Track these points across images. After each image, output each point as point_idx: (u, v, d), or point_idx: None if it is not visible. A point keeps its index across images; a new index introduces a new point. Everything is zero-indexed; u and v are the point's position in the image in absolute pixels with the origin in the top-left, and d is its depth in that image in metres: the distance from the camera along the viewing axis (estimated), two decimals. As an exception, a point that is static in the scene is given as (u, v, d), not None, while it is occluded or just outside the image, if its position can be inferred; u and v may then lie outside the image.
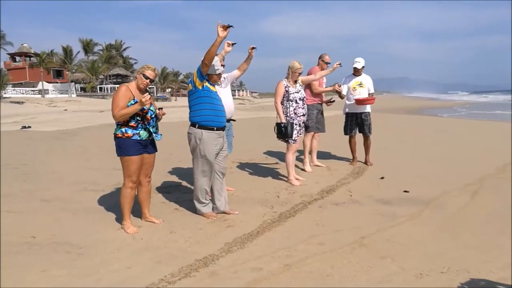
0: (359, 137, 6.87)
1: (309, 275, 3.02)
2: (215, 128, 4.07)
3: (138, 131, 3.76)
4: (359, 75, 6.74)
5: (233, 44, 4.78)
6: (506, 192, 5.22)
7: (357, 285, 2.89)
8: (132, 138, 3.73)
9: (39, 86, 51.02)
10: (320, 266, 3.16)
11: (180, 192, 5.20)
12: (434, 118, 21.29)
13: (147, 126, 3.79)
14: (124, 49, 66.21)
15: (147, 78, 3.72)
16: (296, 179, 5.64)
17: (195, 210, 4.42)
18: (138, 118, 3.72)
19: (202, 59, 3.86)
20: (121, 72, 60.32)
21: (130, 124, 3.73)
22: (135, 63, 68.00)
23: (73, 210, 4.47)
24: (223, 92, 4.60)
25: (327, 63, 6.39)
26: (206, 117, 4.04)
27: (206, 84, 4.05)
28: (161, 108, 3.94)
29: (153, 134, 3.86)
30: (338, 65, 5.85)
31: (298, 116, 5.50)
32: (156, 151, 4.02)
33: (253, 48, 4.84)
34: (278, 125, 5.35)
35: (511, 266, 3.14)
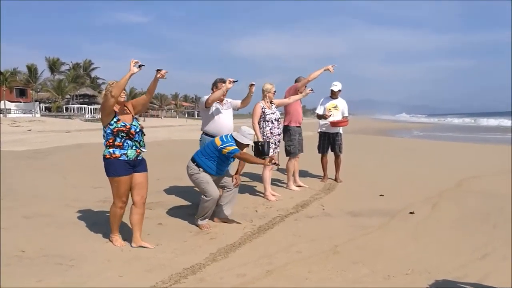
0: (330, 156, 7.30)
1: (289, 279, 3.32)
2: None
3: (125, 151, 3.78)
4: (336, 98, 7.21)
5: (234, 82, 5.09)
6: (462, 203, 5.74)
7: (333, 286, 3.21)
8: (120, 158, 3.76)
9: (1, 105, 49.42)
10: (298, 271, 3.46)
11: (162, 207, 5.38)
12: (398, 139, 22.35)
13: (134, 140, 3.81)
14: (92, 69, 65.42)
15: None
16: (272, 195, 5.96)
17: (178, 225, 4.66)
18: (122, 134, 3.75)
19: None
20: (88, 92, 59.45)
21: (116, 144, 3.76)
22: (103, 83, 67.13)
23: (58, 224, 4.58)
24: (225, 113, 5.23)
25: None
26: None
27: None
28: (160, 69, 3.92)
29: (142, 147, 3.90)
30: (310, 91, 6.30)
31: (274, 136, 5.88)
32: (146, 171, 4.03)
33: (252, 85, 5.35)
34: (256, 144, 5.67)
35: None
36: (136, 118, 3.96)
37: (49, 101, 56.75)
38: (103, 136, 3.83)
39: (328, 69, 6.43)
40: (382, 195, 6.17)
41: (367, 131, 28.78)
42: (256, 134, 5.73)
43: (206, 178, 4.47)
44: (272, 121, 5.87)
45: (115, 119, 3.75)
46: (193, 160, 4.57)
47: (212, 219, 4.73)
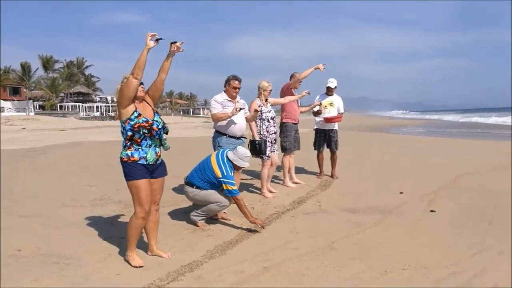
0: (326, 152, 7.32)
1: (287, 276, 3.33)
2: None
3: (145, 154, 3.41)
4: (331, 94, 7.24)
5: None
6: (458, 200, 5.78)
7: (330, 282, 3.22)
8: (139, 162, 3.39)
9: (-5, 104, 49.04)
10: (296, 268, 3.47)
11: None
12: (394, 135, 22.43)
13: (156, 136, 3.44)
14: (86, 67, 65.03)
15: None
16: (270, 191, 5.97)
17: (175, 222, 4.66)
18: (144, 131, 3.35)
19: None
20: (82, 90, 59.13)
21: (134, 139, 3.36)
22: (97, 81, 66.85)
23: (55, 224, 4.56)
24: (238, 113, 5.12)
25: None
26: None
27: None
28: (175, 42, 3.49)
29: (163, 146, 3.55)
30: (306, 93, 6.34)
31: (270, 134, 5.89)
32: (166, 174, 3.73)
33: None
34: (252, 142, 5.67)
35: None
36: (157, 112, 3.57)
37: (43, 99, 56.37)
38: (122, 133, 3.42)
39: (319, 68, 6.44)
40: (402, 193, 6.18)
41: (362, 127, 28.89)
42: (252, 132, 5.72)
43: (211, 191, 4.48)
44: (268, 119, 5.88)
45: (135, 114, 3.33)
46: (190, 184, 4.55)
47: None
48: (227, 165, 4.45)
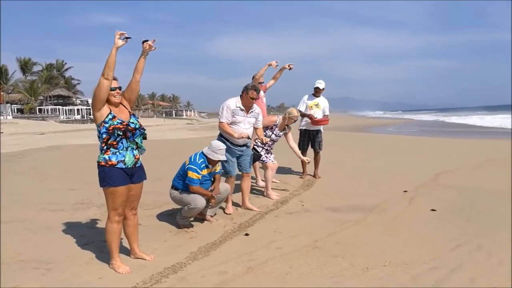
0: (310, 152, 7.39)
1: (270, 275, 3.35)
2: None
3: (123, 158, 3.32)
4: (319, 96, 7.33)
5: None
6: (437, 198, 5.91)
7: (313, 280, 3.26)
8: (117, 166, 3.30)
9: (-29, 108, 47.70)
10: (279, 267, 3.50)
11: (141, 208, 5.27)
12: (376, 135, 22.72)
13: (131, 138, 3.36)
14: (66, 69, 63.87)
15: (113, 89, 3.31)
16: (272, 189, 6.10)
17: (158, 225, 4.65)
18: (119, 133, 3.28)
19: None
20: (62, 93, 57.98)
21: (110, 143, 3.28)
22: (78, 83, 65.71)
23: (35, 229, 4.48)
24: (244, 121, 5.15)
25: (260, 83, 6.63)
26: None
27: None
28: (146, 40, 3.45)
29: (140, 148, 3.47)
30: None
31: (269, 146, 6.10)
32: (145, 178, 3.63)
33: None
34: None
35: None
36: (134, 114, 3.50)
37: (22, 103, 55.09)
38: (98, 137, 3.34)
39: (271, 65, 6.49)
40: (406, 191, 6.28)
41: (346, 128, 29.16)
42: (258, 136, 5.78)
43: (187, 193, 4.48)
44: (273, 141, 6.15)
45: (110, 116, 3.28)
46: (172, 185, 4.62)
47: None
48: (197, 157, 4.48)
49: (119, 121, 3.30)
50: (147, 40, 3.45)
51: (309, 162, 6.05)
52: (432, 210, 5.25)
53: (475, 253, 3.81)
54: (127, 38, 3.25)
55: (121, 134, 3.31)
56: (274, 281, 3.25)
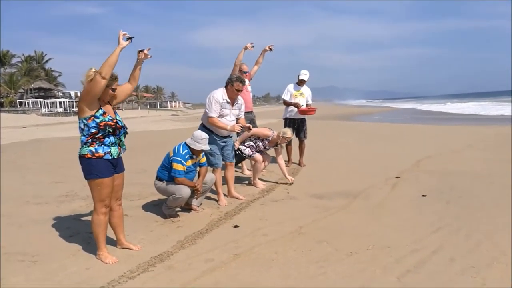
0: (295, 141, 7.45)
1: (256, 261, 3.41)
2: None
3: (109, 150, 3.33)
4: (302, 86, 7.39)
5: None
6: (419, 183, 6.05)
7: (298, 265, 3.32)
8: (104, 157, 3.29)
9: None
10: (265, 253, 3.56)
11: (126, 199, 5.28)
12: (360, 123, 22.97)
13: (119, 135, 3.41)
14: (46, 61, 62.50)
15: (114, 90, 3.37)
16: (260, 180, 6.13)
17: (144, 215, 4.65)
18: (109, 130, 3.30)
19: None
20: (43, 86, 56.79)
21: (97, 137, 3.27)
22: (59, 75, 64.42)
23: (19, 223, 4.44)
24: (229, 113, 5.10)
25: (245, 72, 6.62)
26: None
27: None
28: (143, 50, 3.53)
29: (122, 147, 3.49)
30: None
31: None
32: (124, 169, 3.62)
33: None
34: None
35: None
36: (116, 111, 3.51)
37: (1, 96, 53.84)
38: (81, 130, 3.28)
39: (247, 48, 6.44)
40: (398, 177, 6.37)
41: (330, 116, 29.37)
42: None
43: (170, 184, 4.50)
44: (262, 150, 6.06)
45: (101, 111, 3.26)
46: (156, 177, 4.63)
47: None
48: (181, 149, 4.49)
49: (110, 118, 3.31)
50: (142, 50, 3.50)
51: (292, 183, 6.02)
52: (423, 195, 5.34)
53: (454, 235, 3.93)
54: (130, 38, 3.26)
55: (111, 131, 3.32)
56: (261, 266, 3.30)
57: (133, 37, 3.28)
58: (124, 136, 3.52)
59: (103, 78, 3.12)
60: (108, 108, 3.39)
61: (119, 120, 3.41)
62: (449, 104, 51.77)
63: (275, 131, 6.04)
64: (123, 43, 3.23)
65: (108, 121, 3.28)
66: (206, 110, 5.05)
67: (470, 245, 3.68)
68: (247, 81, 6.54)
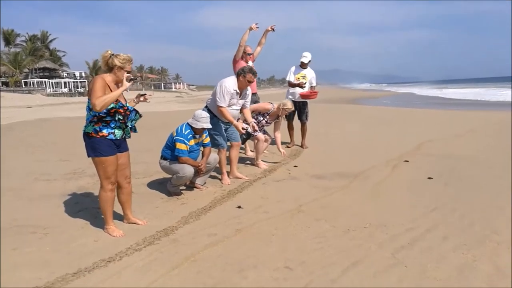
0: (297, 124, 7.56)
1: (257, 236, 3.56)
2: None
3: (113, 130, 3.44)
4: (306, 68, 7.44)
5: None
6: (419, 165, 6.15)
7: (297, 240, 3.47)
8: (107, 137, 3.41)
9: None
10: (266, 229, 3.71)
11: (133, 177, 5.43)
12: (362, 106, 22.93)
13: (129, 119, 3.51)
14: (51, 41, 62.30)
15: (129, 72, 3.47)
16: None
17: (149, 192, 4.81)
18: (119, 117, 3.42)
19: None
20: (48, 66, 56.75)
21: (104, 119, 3.37)
22: (64, 55, 64.32)
23: (29, 198, 4.61)
24: (235, 103, 5.20)
25: (249, 54, 6.67)
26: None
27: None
28: (144, 94, 3.81)
29: (129, 129, 3.58)
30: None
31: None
32: (128, 149, 3.72)
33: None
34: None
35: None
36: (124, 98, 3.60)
37: (6, 76, 53.90)
38: (89, 109, 3.37)
39: (252, 28, 6.48)
40: (407, 161, 6.41)
41: (335, 100, 29.33)
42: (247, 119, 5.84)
43: (174, 162, 4.61)
44: (262, 125, 6.22)
45: None
46: (161, 156, 4.75)
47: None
48: (183, 129, 4.60)
49: (121, 105, 3.41)
50: (144, 94, 3.80)
51: (284, 155, 6.15)
52: (429, 178, 5.42)
53: (449, 215, 4.06)
54: (132, 79, 3.48)
55: (121, 118, 3.44)
56: (261, 241, 3.46)
57: (135, 79, 3.61)
58: (135, 120, 3.61)
59: (97, 110, 3.24)
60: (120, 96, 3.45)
61: (129, 107, 3.50)
62: (452, 89, 51.39)
63: (275, 103, 6.17)
64: (127, 84, 3.40)
65: (119, 108, 3.39)
66: (217, 98, 5.05)
67: (464, 224, 3.81)
68: (250, 63, 6.62)
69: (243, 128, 5.14)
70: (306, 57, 7.42)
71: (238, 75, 5.07)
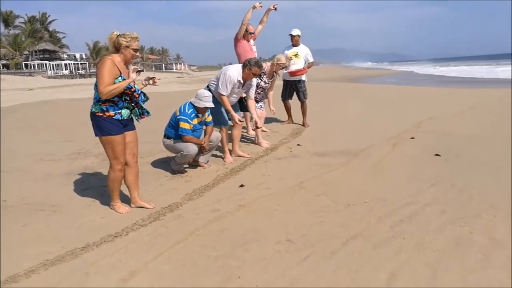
0: (296, 102, 7.58)
1: (259, 211, 3.66)
2: None
3: (120, 111, 3.47)
4: (297, 45, 7.36)
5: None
6: (419, 142, 6.21)
7: (298, 215, 3.57)
8: (114, 117, 3.44)
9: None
10: (268, 204, 3.80)
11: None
12: (366, 85, 22.83)
13: (138, 102, 3.54)
14: (50, 22, 61.74)
15: (136, 51, 3.48)
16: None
17: (153, 171, 4.90)
18: (126, 98, 3.47)
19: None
20: (48, 48, 56.39)
21: (112, 100, 3.40)
22: (64, 37, 63.83)
23: (35, 177, 4.72)
24: (236, 92, 5.23)
25: (250, 33, 6.64)
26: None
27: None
28: (153, 78, 3.79)
29: (134, 115, 3.63)
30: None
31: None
32: (135, 129, 3.75)
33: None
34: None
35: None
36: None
37: (6, 58, 53.65)
38: (97, 91, 3.35)
39: (255, 7, 6.44)
40: (413, 138, 6.45)
41: (337, 78, 29.17)
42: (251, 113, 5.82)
43: (178, 141, 4.68)
44: (262, 89, 6.30)
45: (120, 79, 3.37)
46: (164, 134, 4.81)
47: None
48: (186, 107, 4.67)
49: (128, 87, 3.42)
50: (153, 78, 3.78)
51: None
52: (436, 155, 5.45)
53: (448, 190, 4.13)
54: (138, 71, 3.49)
55: (128, 99, 3.49)
56: (263, 216, 3.56)
57: (142, 70, 3.57)
58: (144, 102, 3.62)
59: (103, 96, 3.30)
60: (127, 75, 3.47)
61: (137, 88, 3.52)
62: (455, 67, 50.84)
63: (268, 62, 6.22)
64: (133, 76, 3.42)
65: (126, 89, 3.40)
66: (219, 85, 5.07)
67: (462, 199, 3.88)
68: (252, 41, 6.61)
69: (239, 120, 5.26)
70: (294, 30, 7.32)
71: (244, 66, 5.10)
